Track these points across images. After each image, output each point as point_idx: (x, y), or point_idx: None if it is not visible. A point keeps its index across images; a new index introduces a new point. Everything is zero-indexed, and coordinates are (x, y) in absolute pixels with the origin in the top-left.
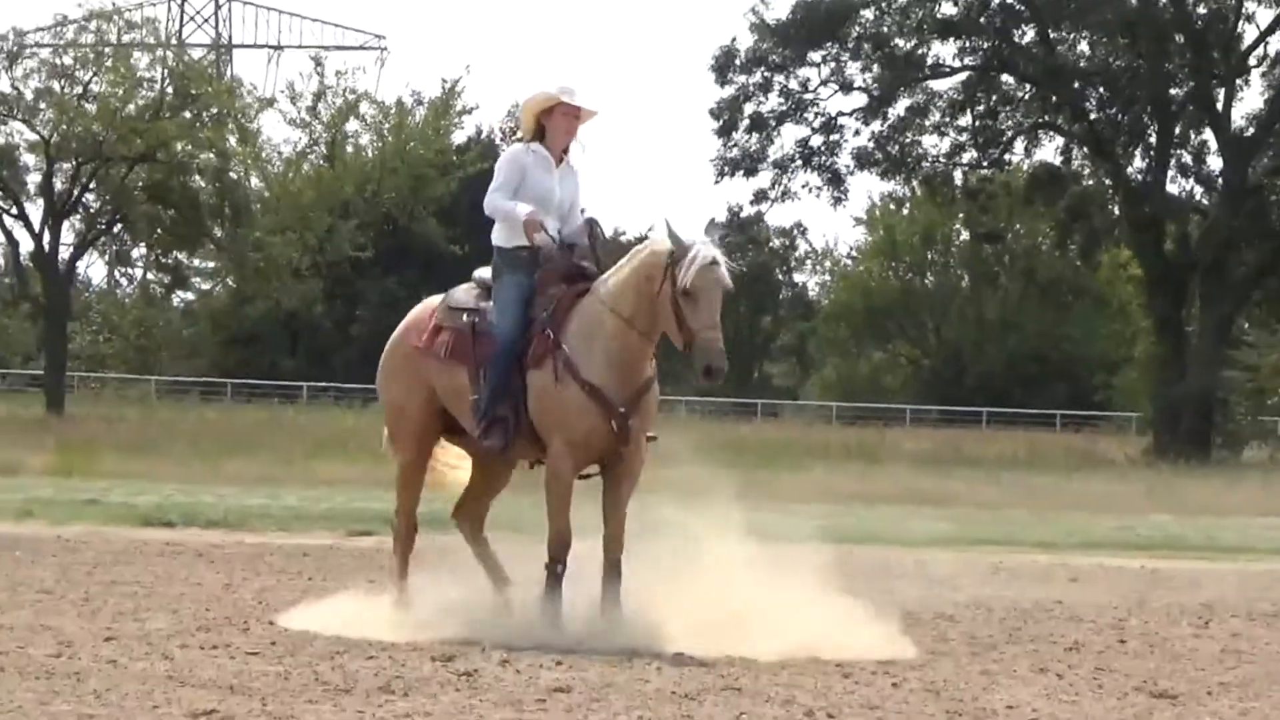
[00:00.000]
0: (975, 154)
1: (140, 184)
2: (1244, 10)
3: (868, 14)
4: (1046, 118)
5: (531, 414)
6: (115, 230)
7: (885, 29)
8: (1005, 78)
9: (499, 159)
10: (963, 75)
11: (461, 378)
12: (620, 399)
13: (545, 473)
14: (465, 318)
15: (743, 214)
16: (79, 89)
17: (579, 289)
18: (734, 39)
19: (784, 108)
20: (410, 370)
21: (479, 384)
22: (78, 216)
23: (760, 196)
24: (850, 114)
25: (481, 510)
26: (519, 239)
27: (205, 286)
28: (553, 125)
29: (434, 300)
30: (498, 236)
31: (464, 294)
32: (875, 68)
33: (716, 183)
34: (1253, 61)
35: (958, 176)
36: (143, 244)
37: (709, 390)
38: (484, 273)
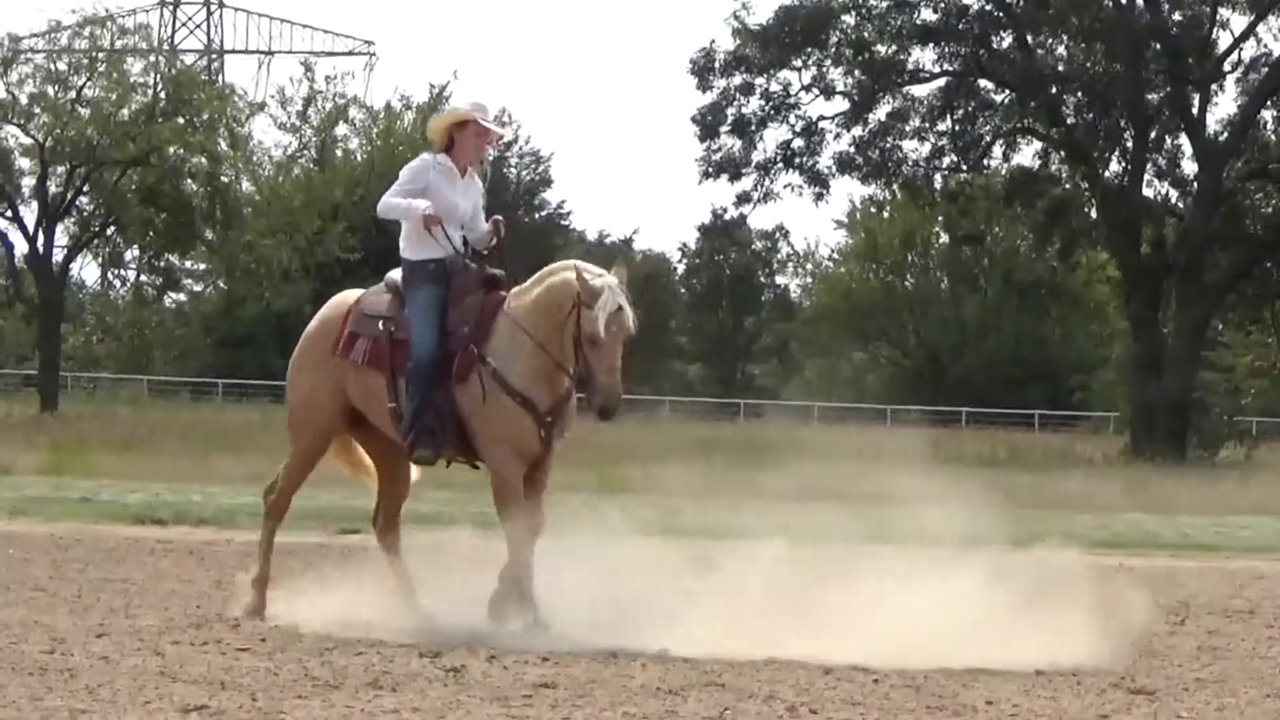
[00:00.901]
0: (954, 158)
1: (133, 187)
2: (1218, 17)
3: (848, 19)
4: (1024, 122)
5: (472, 428)
6: (108, 233)
7: (865, 35)
8: (984, 83)
9: (405, 167)
10: (942, 81)
11: (379, 385)
12: (545, 407)
13: (493, 482)
14: (381, 325)
15: (726, 216)
16: (73, 94)
17: (495, 299)
18: (713, 41)
19: (765, 111)
20: (323, 370)
21: (395, 391)
22: (71, 219)
23: (743, 199)
24: (831, 118)
25: (394, 521)
26: (427, 251)
27: (197, 288)
28: (463, 140)
29: (347, 298)
30: (405, 249)
31: (377, 299)
32: (856, 73)
33: (700, 183)
34: (1227, 67)
35: (937, 180)
36: (135, 246)
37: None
38: (395, 275)
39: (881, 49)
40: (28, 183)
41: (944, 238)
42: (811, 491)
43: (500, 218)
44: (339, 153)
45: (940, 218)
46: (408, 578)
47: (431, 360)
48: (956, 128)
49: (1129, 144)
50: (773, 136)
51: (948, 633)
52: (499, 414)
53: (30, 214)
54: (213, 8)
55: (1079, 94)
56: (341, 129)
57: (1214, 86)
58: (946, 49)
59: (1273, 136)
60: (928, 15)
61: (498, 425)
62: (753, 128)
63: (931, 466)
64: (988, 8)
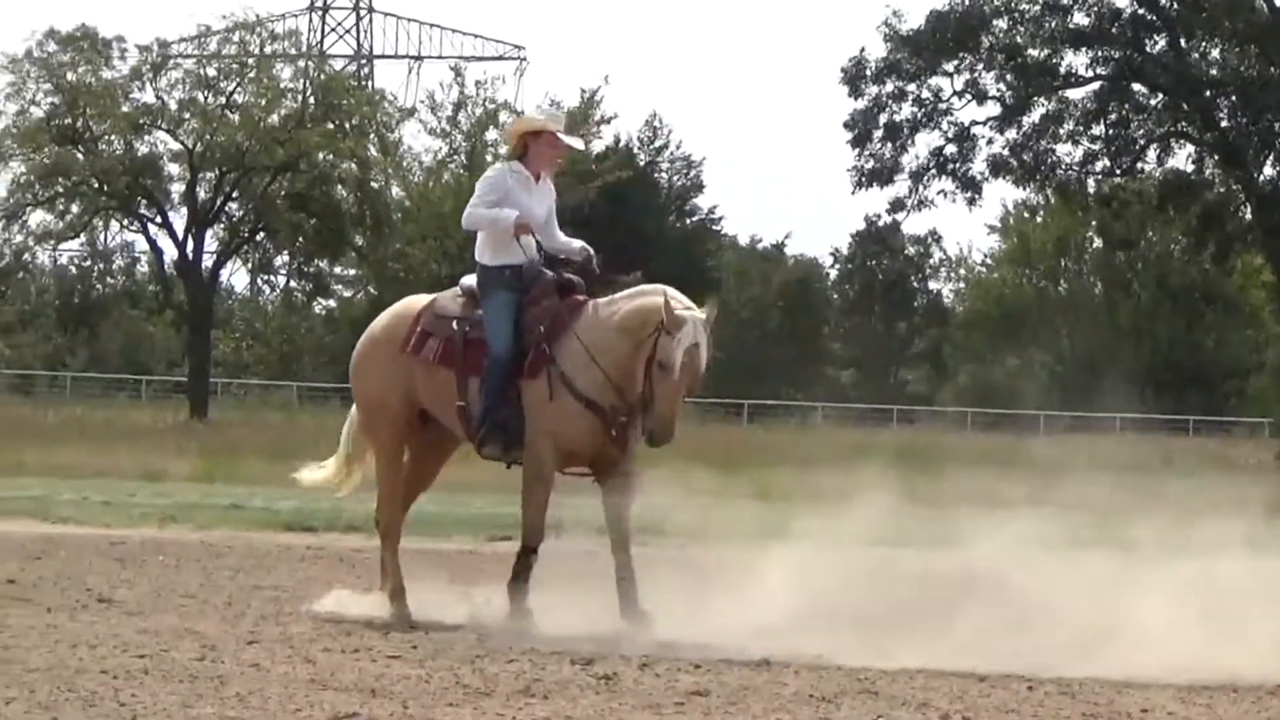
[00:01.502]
0: (1108, 162)
1: (282, 193)
2: None
3: (1000, 24)
4: (1178, 126)
5: (526, 420)
6: (258, 239)
7: (1018, 39)
8: (1137, 86)
9: (481, 177)
10: (1095, 84)
11: (449, 383)
12: (620, 408)
13: (525, 469)
14: (455, 325)
15: (880, 223)
16: (222, 99)
17: (572, 303)
18: (863, 49)
19: (918, 117)
20: (392, 368)
21: (464, 390)
22: (221, 225)
23: (897, 206)
24: (984, 123)
25: (406, 507)
26: (504, 257)
27: (347, 294)
28: (537, 148)
29: (415, 302)
30: (482, 254)
31: (451, 301)
32: (1008, 77)
33: (854, 193)
34: None
35: (1090, 184)
36: (285, 252)
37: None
38: (470, 280)
39: (1034, 53)
40: (177, 189)
41: (1097, 242)
42: (989, 498)
43: (590, 249)
44: (489, 158)
45: (1093, 222)
46: (396, 565)
47: (506, 359)
48: (1110, 131)
49: None
50: (924, 142)
51: None
52: (560, 413)
53: (179, 220)
54: (362, 13)
55: (1233, 97)
56: (492, 134)
57: None
58: (1099, 53)
59: None
60: (1080, 19)
61: (554, 422)
62: (905, 134)
63: (1093, 472)
64: (1141, 11)
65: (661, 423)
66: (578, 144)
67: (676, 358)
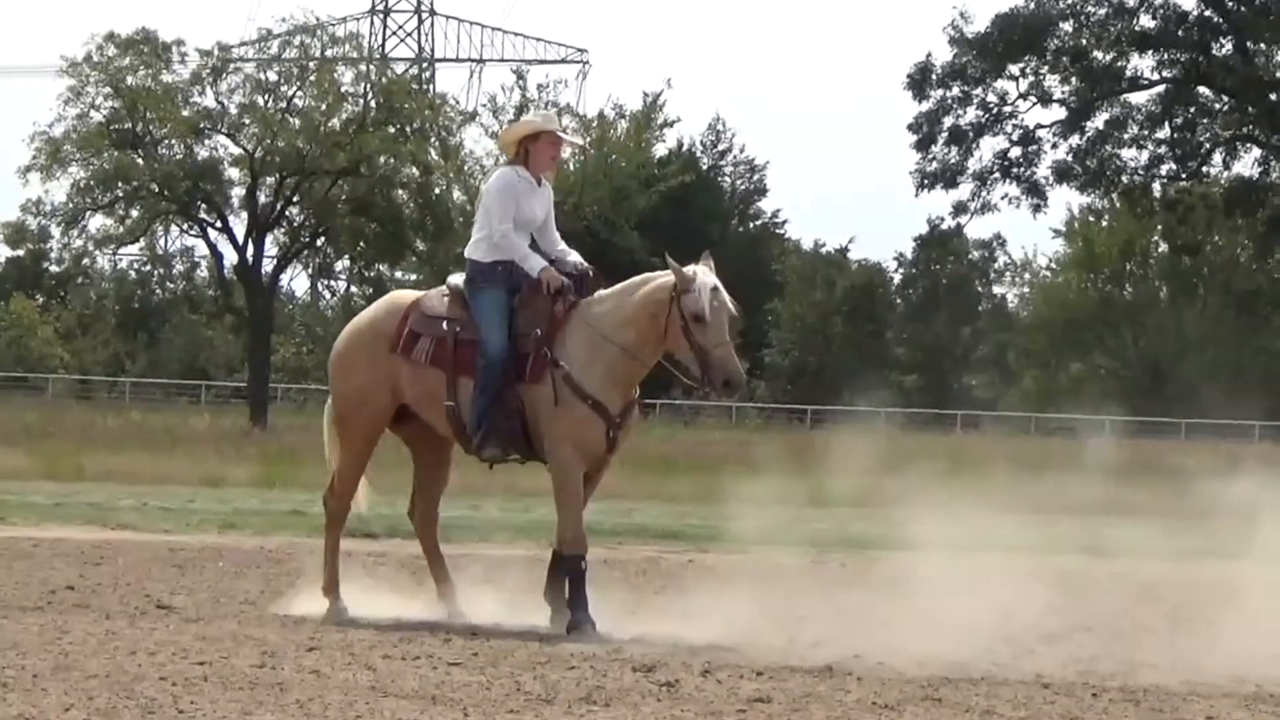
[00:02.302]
0: (1173, 166)
1: (343, 197)
2: None
3: (1066, 27)
4: (1244, 130)
5: (541, 428)
6: (318, 243)
7: (1084, 42)
8: (1203, 90)
9: (491, 186)
10: (1161, 88)
11: (439, 384)
12: (615, 411)
13: (555, 481)
14: (445, 326)
15: (943, 226)
16: (283, 104)
17: (566, 304)
18: (929, 54)
19: (982, 120)
20: (376, 366)
21: (455, 391)
22: (281, 230)
23: (960, 209)
24: (1049, 127)
25: (432, 510)
26: (496, 255)
27: None
28: (537, 151)
29: (400, 299)
30: (475, 252)
31: (438, 301)
32: (1073, 80)
33: (916, 195)
34: None
35: (1156, 188)
36: (345, 257)
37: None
38: (457, 279)
39: (1100, 56)
40: (237, 193)
41: (1163, 247)
42: (1077, 505)
43: (586, 266)
44: None
45: (1159, 226)
46: (447, 576)
47: (501, 360)
48: (1175, 135)
49: None
50: (989, 146)
51: None
52: (569, 417)
53: (240, 225)
54: (424, 16)
55: None
56: None
57: None
58: (1165, 56)
59: None
60: (1146, 22)
61: (566, 426)
62: (970, 137)
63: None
64: (1207, 14)
65: (725, 370)
66: (578, 140)
67: (706, 302)
